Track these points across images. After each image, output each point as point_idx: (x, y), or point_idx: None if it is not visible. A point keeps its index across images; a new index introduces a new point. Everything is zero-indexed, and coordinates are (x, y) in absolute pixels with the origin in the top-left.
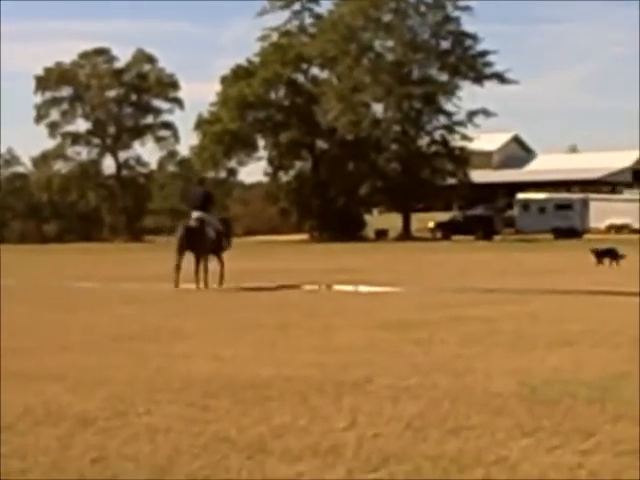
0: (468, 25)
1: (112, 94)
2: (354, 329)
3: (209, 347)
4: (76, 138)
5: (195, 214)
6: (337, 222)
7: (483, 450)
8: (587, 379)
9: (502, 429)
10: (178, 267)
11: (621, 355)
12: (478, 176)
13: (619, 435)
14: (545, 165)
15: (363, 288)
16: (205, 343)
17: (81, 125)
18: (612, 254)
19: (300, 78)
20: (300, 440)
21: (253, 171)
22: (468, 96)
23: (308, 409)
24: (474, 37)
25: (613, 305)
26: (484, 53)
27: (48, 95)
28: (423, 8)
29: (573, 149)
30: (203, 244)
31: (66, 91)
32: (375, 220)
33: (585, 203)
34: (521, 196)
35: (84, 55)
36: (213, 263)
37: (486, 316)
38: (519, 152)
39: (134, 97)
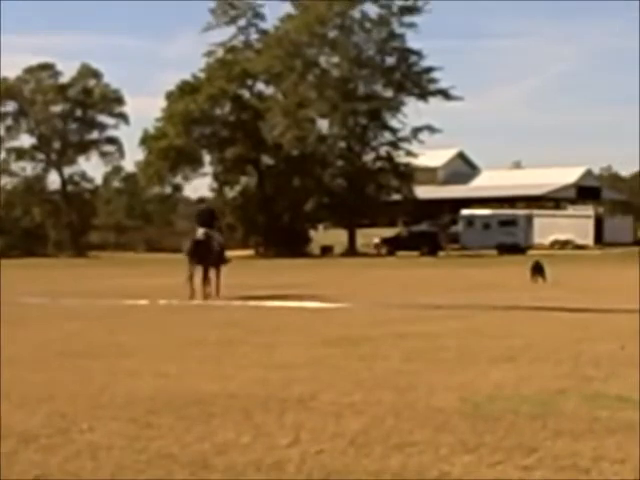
0: (413, 42)
1: (57, 109)
2: (298, 345)
3: (153, 363)
4: (21, 153)
5: (201, 230)
6: (282, 238)
7: (426, 466)
8: (529, 395)
9: (445, 445)
10: (191, 278)
11: (561, 371)
12: (423, 192)
13: (559, 451)
14: (489, 181)
15: (308, 304)
16: (149, 359)
17: (25, 140)
18: (541, 270)
19: (245, 94)
20: (243, 456)
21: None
22: (413, 112)
23: (252, 426)
24: (419, 54)
25: (554, 320)
26: (429, 70)
27: None
28: (368, 24)
29: (517, 165)
30: (210, 256)
31: (10, 106)
32: (320, 236)
33: (529, 219)
34: (465, 212)
35: (29, 70)
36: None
37: (430, 332)
38: (463, 168)
39: (79, 112)
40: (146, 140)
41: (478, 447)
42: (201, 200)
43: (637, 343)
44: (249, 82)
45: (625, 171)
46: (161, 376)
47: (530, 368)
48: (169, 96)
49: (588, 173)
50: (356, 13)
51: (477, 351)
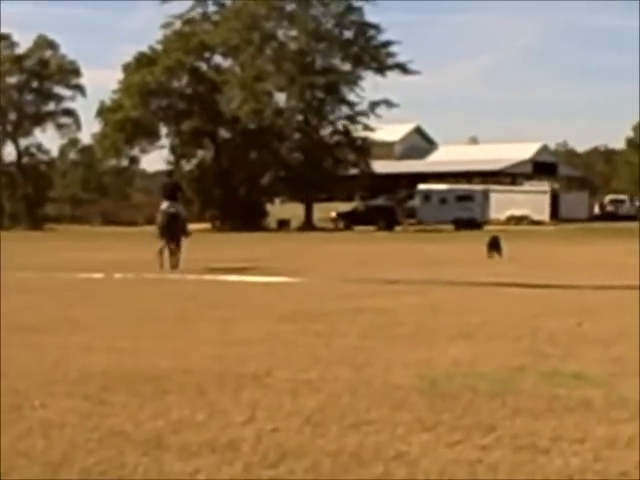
0: (371, 15)
1: (13, 80)
2: (254, 321)
3: (107, 338)
4: None
5: (166, 203)
6: (239, 211)
7: (383, 445)
8: (487, 372)
9: (402, 423)
10: (162, 251)
11: (519, 348)
12: (380, 167)
13: (518, 430)
14: (446, 156)
15: (264, 278)
16: (103, 334)
17: None
18: (497, 246)
19: (203, 66)
20: (198, 435)
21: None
22: (371, 86)
23: (207, 403)
24: (377, 27)
25: (511, 297)
26: (387, 43)
27: None
28: None
29: (474, 140)
30: (178, 229)
31: None
32: (277, 210)
33: (486, 194)
34: (422, 187)
35: None
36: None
37: (387, 307)
38: (421, 143)
39: (35, 84)
40: (102, 112)
41: (436, 426)
42: (169, 173)
43: (593, 319)
44: (206, 54)
45: (580, 147)
46: (115, 351)
47: (488, 345)
48: (126, 68)
49: (544, 149)
50: None
51: (434, 327)
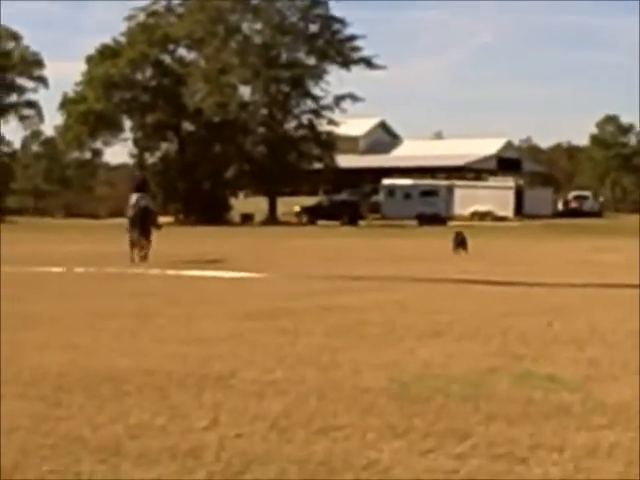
0: (336, 9)
1: None
2: (218, 318)
3: (64, 336)
4: None
5: (136, 196)
6: (202, 205)
7: (353, 453)
8: (458, 374)
9: (372, 429)
10: (133, 244)
11: (490, 348)
12: (344, 161)
13: (494, 437)
14: (411, 151)
15: (228, 274)
16: (60, 331)
17: None
18: (463, 242)
19: (167, 59)
20: (158, 441)
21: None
22: (336, 80)
23: (168, 406)
24: (342, 21)
25: (479, 294)
26: (352, 37)
27: None
28: None
29: (438, 135)
30: (149, 222)
31: None
32: (241, 204)
33: (450, 190)
34: (387, 182)
35: None
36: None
37: (354, 305)
38: (385, 138)
39: None
40: (65, 104)
41: (408, 432)
42: (140, 167)
43: (564, 318)
44: (171, 47)
45: (544, 142)
46: (72, 350)
47: (458, 345)
48: (89, 60)
49: (509, 144)
50: None
51: (403, 326)
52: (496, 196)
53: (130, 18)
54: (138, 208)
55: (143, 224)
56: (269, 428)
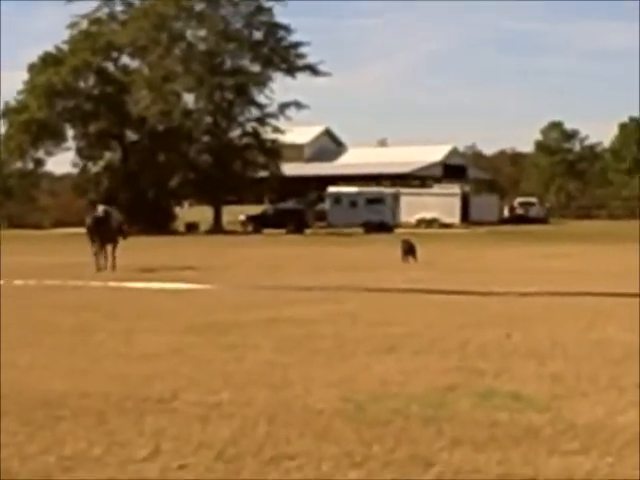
0: (281, 16)
1: None
2: (160, 332)
3: None
4: None
5: (101, 207)
6: (147, 215)
7: None
8: (417, 393)
9: (328, 457)
10: (97, 253)
11: (449, 363)
12: (289, 169)
13: (459, 464)
14: (356, 159)
15: (171, 285)
16: None
17: None
18: (412, 250)
19: (110, 67)
20: (93, 474)
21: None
22: (280, 88)
23: (105, 432)
24: (287, 28)
25: (431, 304)
26: (297, 45)
27: None
28: None
29: (383, 143)
30: (108, 232)
31: None
32: (186, 213)
33: (396, 197)
34: (332, 190)
35: None
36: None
37: (303, 317)
38: (330, 145)
39: None
40: (7, 113)
41: (366, 460)
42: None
43: (522, 330)
44: (114, 55)
45: (488, 149)
46: (3, 369)
47: (414, 360)
48: (31, 68)
49: (454, 151)
50: None
51: (355, 340)
52: (442, 203)
53: (73, 25)
54: (92, 218)
55: (100, 233)
56: (215, 458)
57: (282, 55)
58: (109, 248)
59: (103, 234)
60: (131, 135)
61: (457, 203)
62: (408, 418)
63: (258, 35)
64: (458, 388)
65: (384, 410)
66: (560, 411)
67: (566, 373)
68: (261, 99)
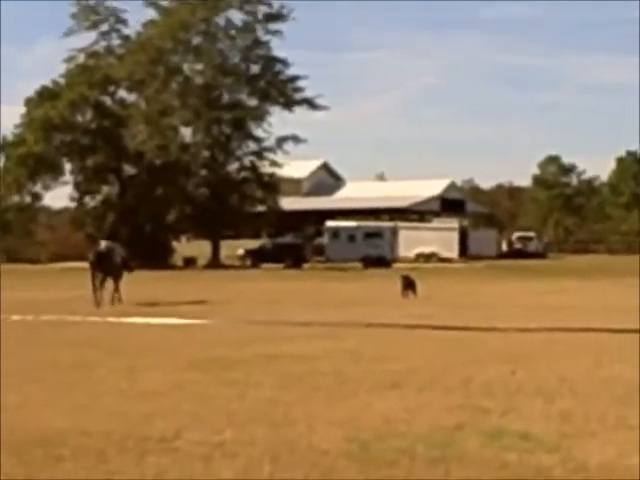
0: (278, 50)
1: None
2: (161, 369)
3: None
4: None
5: (104, 242)
6: (144, 249)
7: None
8: (422, 432)
9: None
10: (95, 289)
11: (453, 401)
12: (287, 203)
13: None
14: (354, 193)
15: (171, 320)
16: None
17: None
18: (412, 285)
19: (107, 100)
20: None
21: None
22: (278, 122)
23: (106, 472)
24: (284, 62)
25: (432, 340)
26: (294, 78)
27: None
28: (233, 31)
29: (381, 177)
30: (111, 267)
31: None
32: (183, 247)
33: (394, 231)
34: (330, 224)
35: None
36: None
37: (303, 353)
38: (328, 179)
39: None
40: (4, 147)
41: None
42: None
43: (527, 366)
44: (111, 89)
45: (485, 184)
46: (3, 408)
47: (418, 398)
48: (28, 102)
49: (452, 186)
50: (220, 20)
51: (356, 377)
52: (440, 237)
53: (70, 59)
54: (94, 253)
55: (101, 267)
56: None
57: (279, 89)
58: (111, 283)
59: (106, 269)
60: (129, 169)
61: (455, 237)
62: (414, 459)
63: (255, 69)
64: (465, 427)
65: (389, 450)
66: (570, 451)
67: (574, 411)
68: (259, 133)
